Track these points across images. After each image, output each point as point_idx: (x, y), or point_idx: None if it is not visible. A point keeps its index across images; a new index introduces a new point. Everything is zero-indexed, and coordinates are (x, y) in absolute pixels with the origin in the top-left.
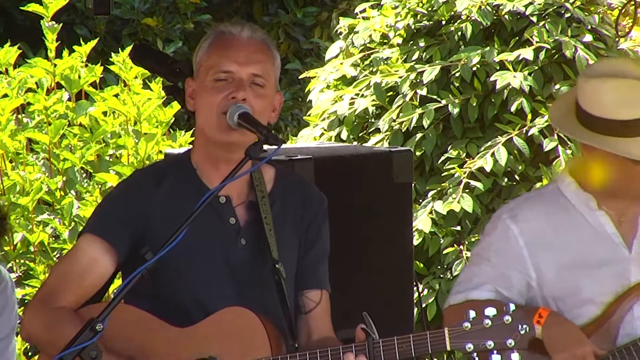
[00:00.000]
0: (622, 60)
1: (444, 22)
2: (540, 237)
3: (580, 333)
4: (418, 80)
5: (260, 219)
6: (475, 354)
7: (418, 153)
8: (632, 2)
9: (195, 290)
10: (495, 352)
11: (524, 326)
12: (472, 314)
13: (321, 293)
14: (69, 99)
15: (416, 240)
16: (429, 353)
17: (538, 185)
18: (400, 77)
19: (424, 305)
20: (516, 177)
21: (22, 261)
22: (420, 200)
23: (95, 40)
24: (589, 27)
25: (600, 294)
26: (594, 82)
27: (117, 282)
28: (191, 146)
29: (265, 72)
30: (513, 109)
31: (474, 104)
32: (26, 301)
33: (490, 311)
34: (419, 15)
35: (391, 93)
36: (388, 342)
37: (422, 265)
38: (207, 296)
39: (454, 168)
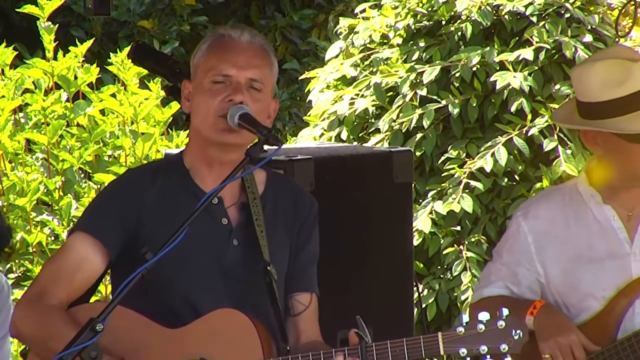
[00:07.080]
0: (614, 47)
1: (444, 22)
2: (548, 233)
3: (569, 323)
4: (418, 81)
5: (252, 220)
6: (469, 359)
7: (418, 153)
8: (632, 2)
9: (186, 291)
10: (488, 357)
11: (518, 332)
12: (465, 318)
13: (311, 296)
14: (67, 100)
15: (416, 241)
16: (423, 358)
17: (538, 185)
18: (400, 78)
19: (423, 306)
20: (516, 177)
21: (20, 262)
22: (420, 201)
23: (92, 40)
24: (589, 27)
25: (600, 288)
26: (580, 70)
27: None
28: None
29: (263, 77)
30: (513, 109)
31: (474, 104)
32: None
33: (484, 316)
34: (419, 16)
35: (391, 93)
36: (381, 346)
37: (422, 265)
38: (198, 297)
39: (454, 168)
